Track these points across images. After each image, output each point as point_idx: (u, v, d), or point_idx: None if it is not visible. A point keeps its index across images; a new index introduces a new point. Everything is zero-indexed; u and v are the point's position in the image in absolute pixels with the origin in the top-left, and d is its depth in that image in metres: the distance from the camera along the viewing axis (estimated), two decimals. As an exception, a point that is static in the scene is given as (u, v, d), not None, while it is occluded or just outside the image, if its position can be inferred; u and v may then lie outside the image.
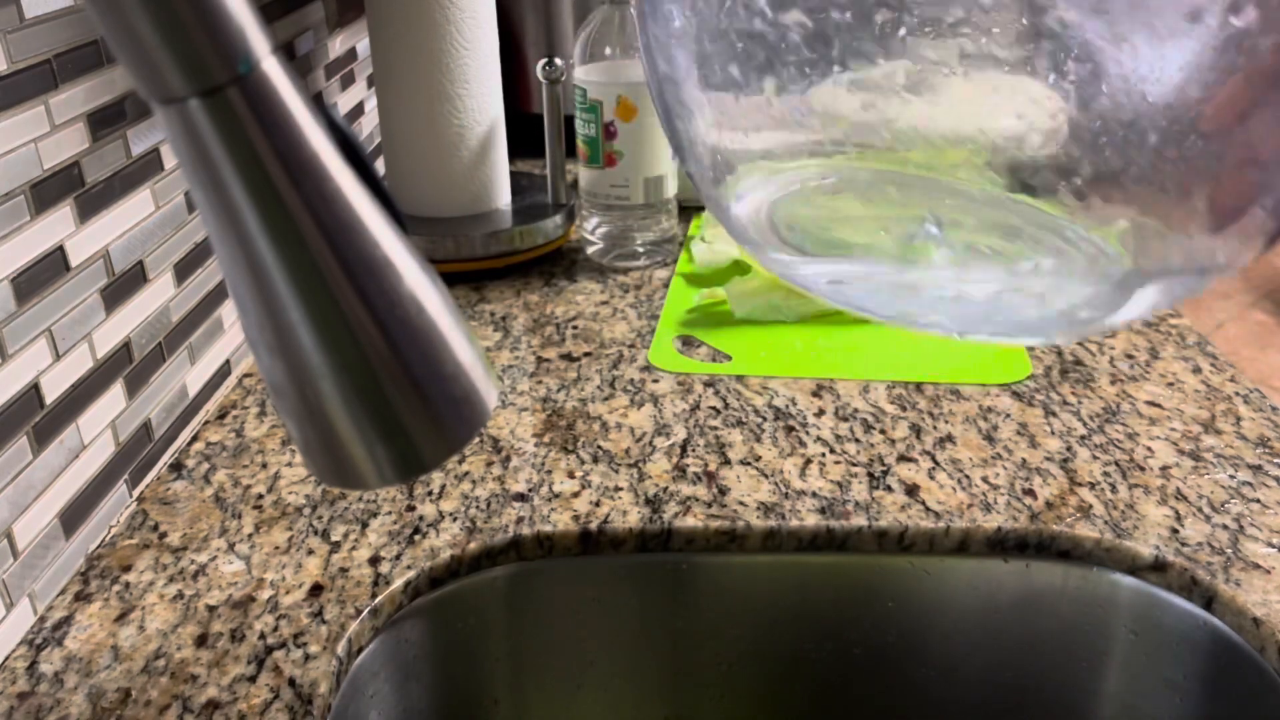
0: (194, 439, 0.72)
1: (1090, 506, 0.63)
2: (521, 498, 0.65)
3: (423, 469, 0.31)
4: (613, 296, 0.92)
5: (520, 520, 0.63)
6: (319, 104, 0.29)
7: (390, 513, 0.64)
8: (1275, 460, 0.67)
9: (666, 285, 0.94)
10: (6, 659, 0.54)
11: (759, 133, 0.47)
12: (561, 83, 0.95)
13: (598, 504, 0.64)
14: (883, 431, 0.71)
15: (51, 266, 0.57)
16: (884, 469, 0.67)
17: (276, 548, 0.61)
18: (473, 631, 0.63)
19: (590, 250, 1.00)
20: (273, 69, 0.27)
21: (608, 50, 0.95)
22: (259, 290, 0.28)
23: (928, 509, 0.63)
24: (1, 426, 0.54)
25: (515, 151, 1.16)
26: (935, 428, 0.71)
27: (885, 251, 0.51)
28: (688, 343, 0.83)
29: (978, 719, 0.67)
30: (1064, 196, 0.44)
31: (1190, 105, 0.40)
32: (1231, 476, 0.66)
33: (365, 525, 0.63)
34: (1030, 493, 0.64)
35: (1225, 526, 0.61)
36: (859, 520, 0.62)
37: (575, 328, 0.87)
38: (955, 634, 0.65)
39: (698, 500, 0.64)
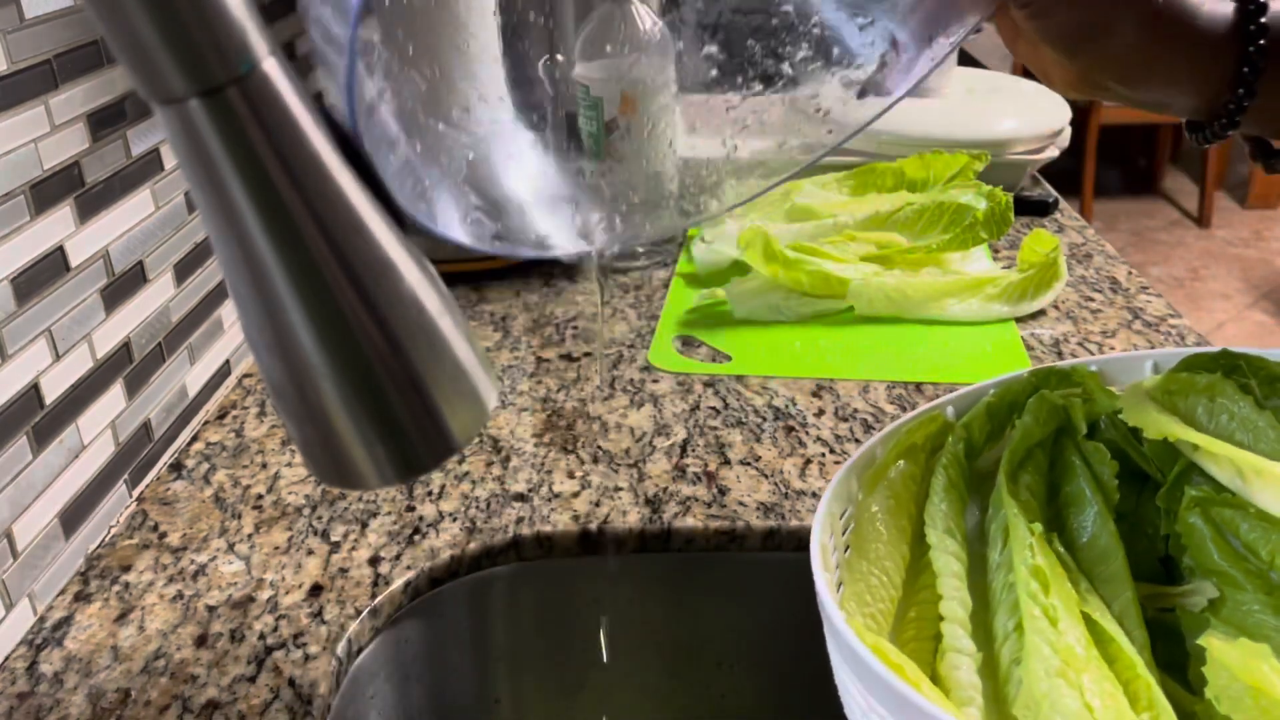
0: (194, 439, 0.72)
1: (1090, 506, 0.63)
2: (521, 498, 0.65)
3: (423, 469, 0.31)
4: (613, 297, 0.92)
5: (520, 520, 0.63)
6: (320, 104, 0.29)
7: (390, 513, 0.64)
8: (1275, 460, 0.67)
9: (666, 285, 0.94)
10: (6, 659, 0.54)
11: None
12: (564, 80, 0.95)
13: (598, 504, 0.64)
14: (883, 431, 0.71)
15: (51, 266, 0.57)
16: (884, 469, 0.67)
17: (276, 548, 0.61)
18: (473, 631, 0.63)
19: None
20: (273, 69, 0.27)
21: (609, 47, 0.95)
22: (259, 290, 0.28)
23: (928, 509, 0.63)
24: (1, 426, 0.54)
25: (515, 151, 1.15)
26: (935, 428, 0.71)
27: None
28: (687, 343, 0.83)
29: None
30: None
31: None
32: (1231, 476, 0.66)
33: (365, 525, 0.63)
34: (1030, 493, 0.64)
35: (1225, 526, 0.61)
36: (859, 520, 0.62)
37: (575, 328, 0.87)
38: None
39: (698, 500, 0.64)
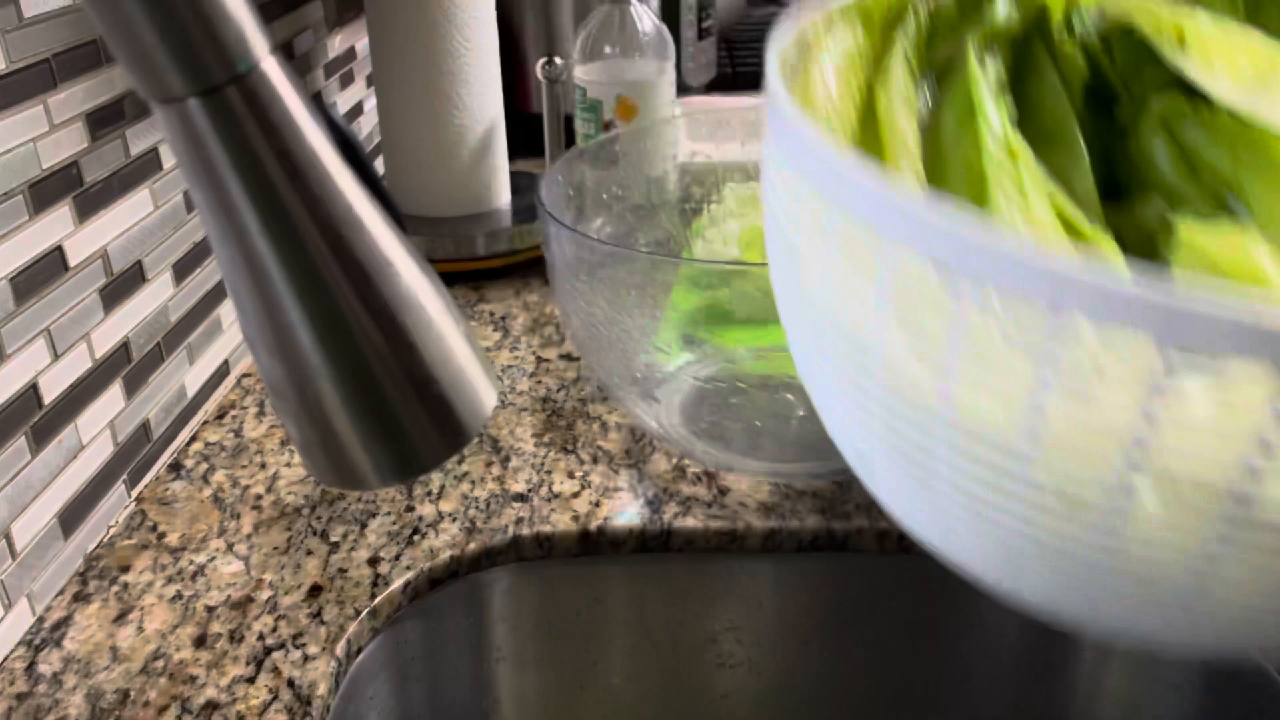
0: (193, 439, 0.72)
1: (1091, 506, 0.63)
2: (521, 498, 0.65)
3: (423, 469, 0.31)
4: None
5: (520, 520, 0.63)
6: (318, 103, 0.29)
7: (390, 513, 0.64)
8: (1276, 460, 0.67)
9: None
10: (5, 659, 0.54)
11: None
12: (561, 82, 0.95)
13: (598, 504, 0.64)
14: (883, 431, 0.71)
15: (50, 266, 0.57)
16: (884, 469, 0.67)
17: (275, 548, 0.61)
18: (473, 631, 0.63)
19: (590, 250, 1.00)
20: (272, 68, 0.27)
21: (607, 49, 0.95)
22: (259, 290, 0.28)
23: (928, 509, 0.63)
24: (0, 426, 0.54)
25: (515, 151, 1.15)
26: (935, 428, 0.71)
27: None
28: (689, 342, 0.83)
29: (980, 718, 0.67)
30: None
31: None
32: (1232, 476, 0.66)
33: (364, 526, 0.63)
34: (1031, 493, 0.64)
35: (1226, 526, 0.61)
36: (859, 520, 0.62)
37: (575, 327, 0.87)
38: (957, 634, 0.65)
39: (698, 500, 0.64)
